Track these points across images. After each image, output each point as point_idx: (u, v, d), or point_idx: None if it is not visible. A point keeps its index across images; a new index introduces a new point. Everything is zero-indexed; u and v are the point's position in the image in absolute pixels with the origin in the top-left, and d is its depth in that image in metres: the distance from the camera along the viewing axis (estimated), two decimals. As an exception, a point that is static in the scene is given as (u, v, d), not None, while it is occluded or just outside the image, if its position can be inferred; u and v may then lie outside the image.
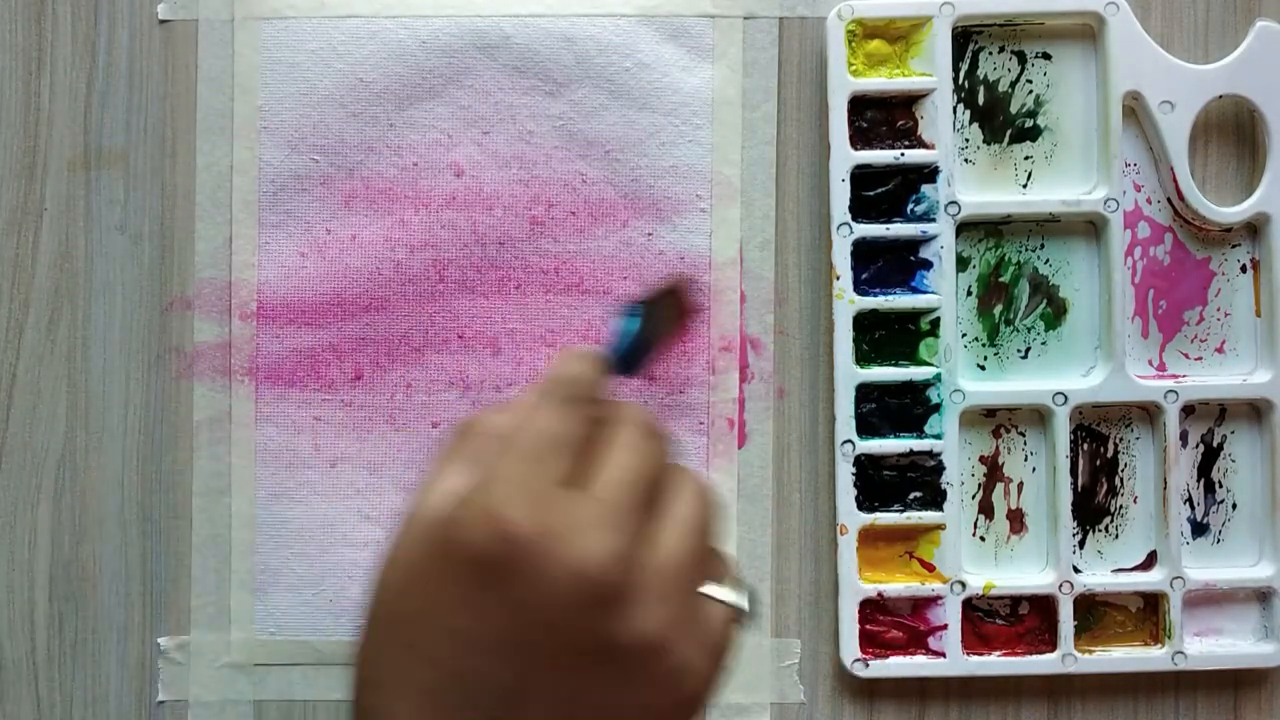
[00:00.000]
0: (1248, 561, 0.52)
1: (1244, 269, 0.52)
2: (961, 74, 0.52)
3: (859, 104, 0.52)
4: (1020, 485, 0.52)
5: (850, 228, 0.51)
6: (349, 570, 0.52)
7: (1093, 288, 0.52)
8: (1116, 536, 0.52)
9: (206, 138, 0.52)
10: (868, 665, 0.51)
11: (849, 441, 0.51)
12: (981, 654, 0.51)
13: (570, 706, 0.33)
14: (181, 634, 0.52)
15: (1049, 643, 0.51)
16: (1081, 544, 0.52)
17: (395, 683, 0.33)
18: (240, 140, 0.52)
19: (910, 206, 0.52)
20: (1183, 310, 0.52)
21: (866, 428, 0.52)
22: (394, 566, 0.34)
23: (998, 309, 0.52)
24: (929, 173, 0.51)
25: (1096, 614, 0.52)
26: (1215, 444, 0.52)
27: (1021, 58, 0.52)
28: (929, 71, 0.51)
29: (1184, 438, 0.52)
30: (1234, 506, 0.52)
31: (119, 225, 0.53)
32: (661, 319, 0.46)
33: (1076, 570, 0.51)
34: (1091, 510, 0.52)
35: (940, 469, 0.51)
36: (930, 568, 0.51)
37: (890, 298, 0.51)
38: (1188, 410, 0.52)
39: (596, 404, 0.36)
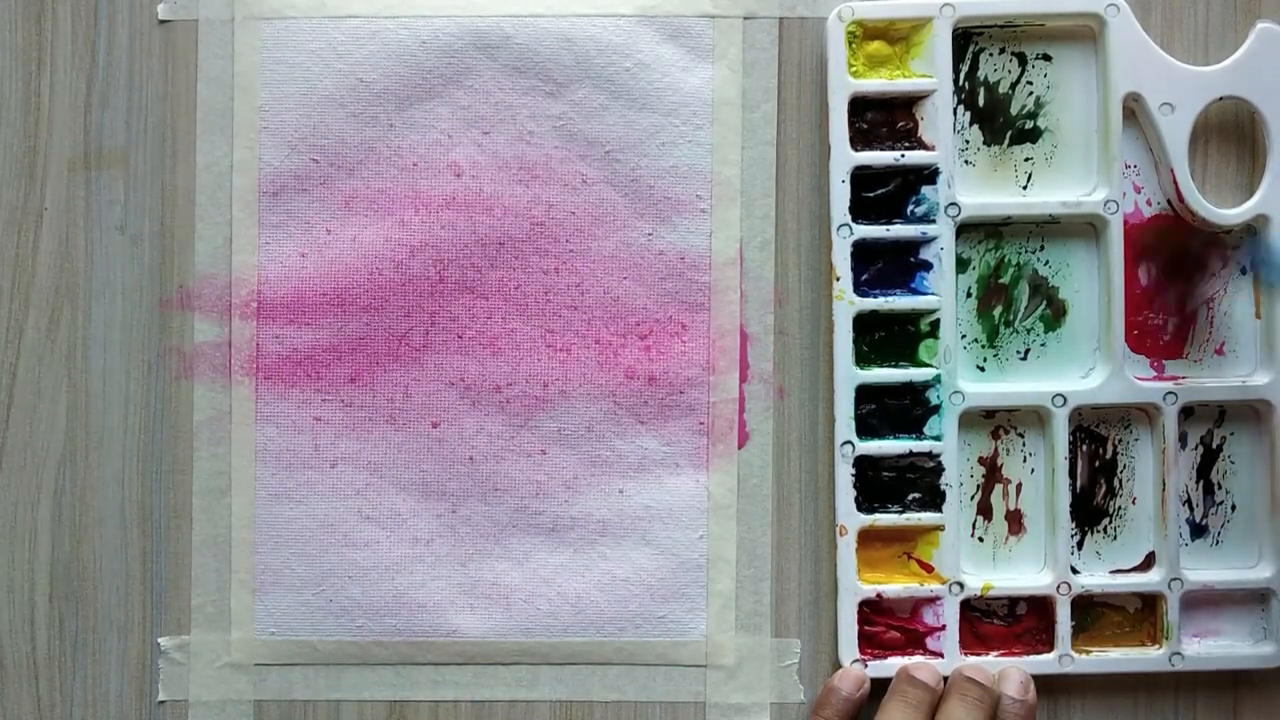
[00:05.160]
0: (1246, 563, 0.52)
1: (1244, 271, 0.52)
2: (962, 75, 0.52)
3: (859, 105, 0.52)
4: (1019, 486, 0.52)
5: (850, 229, 0.51)
6: (349, 570, 0.52)
7: (1092, 289, 0.52)
8: (1115, 537, 0.52)
9: (206, 138, 0.52)
10: (867, 665, 0.51)
11: (848, 442, 0.51)
12: (979, 654, 0.51)
13: None
14: (181, 634, 0.52)
15: (1046, 643, 0.51)
16: (1080, 545, 0.52)
17: None
18: (240, 140, 0.52)
19: (910, 208, 0.52)
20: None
21: (866, 429, 0.52)
22: None
23: (997, 310, 0.52)
24: (929, 174, 0.51)
25: (1094, 615, 0.52)
26: (1214, 445, 0.52)
27: (1022, 59, 0.52)
28: (929, 73, 0.51)
29: (1183, 439, 0.52)
30: (1233, 508, 0.52)
31: (119, 225, 0.53)
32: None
33: (1075, 571, 0.52)
34: (1090, 511, 0.52)
35: (939, 470, 0.51)
36: (929, 568, 0.52)
37: (890, 299, 0.51)
38: (1187, 412, 0.52)
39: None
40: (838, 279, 0.51)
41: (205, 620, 0.52)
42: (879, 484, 0.52)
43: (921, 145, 0.52)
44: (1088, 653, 0.51)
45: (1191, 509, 0.52)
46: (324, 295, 0.52)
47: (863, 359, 0.52)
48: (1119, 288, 0.51)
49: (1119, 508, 0.52)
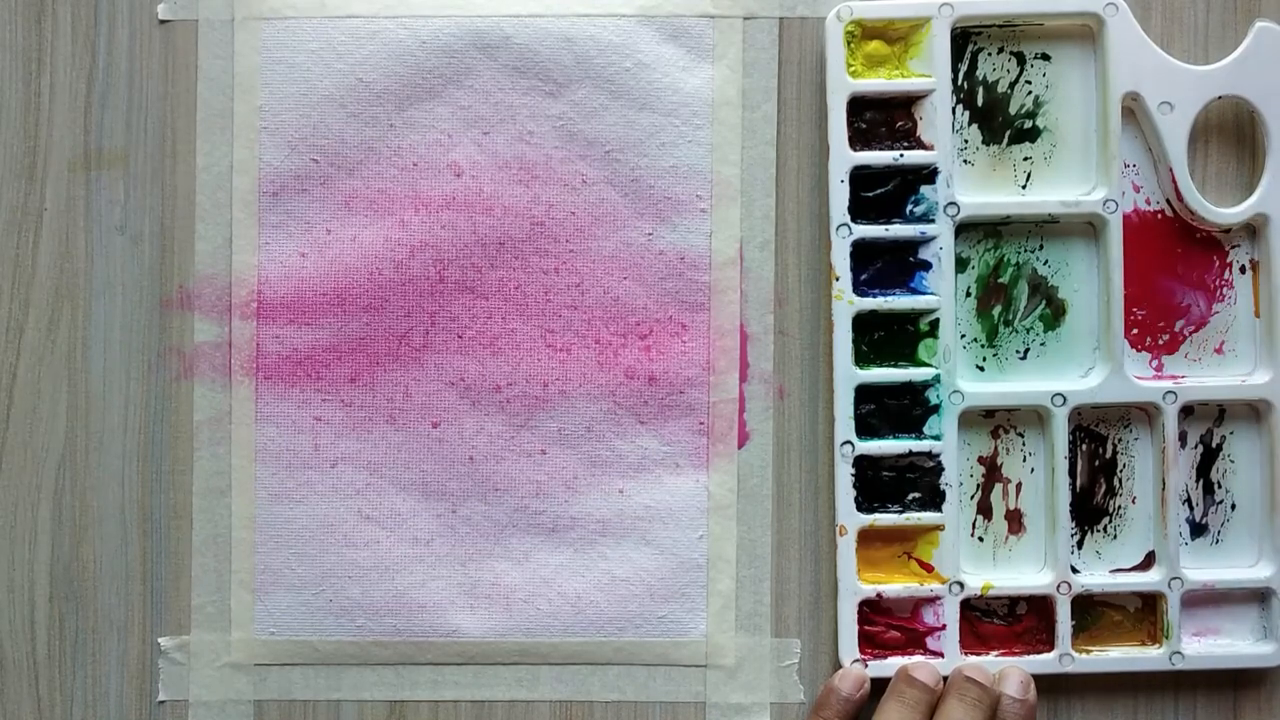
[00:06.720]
0: (1246, 562, 0.52)
1: (1243, 270, 0.52)
2: (960, 75, 0.52)
3: (858, 105, 0.52)
4: (1019, 486, 0.52)
5: (849, 229, 0.51)
6: (349, 570, 0.52)
7: (1091, 289, 0.52)
8: (1115, 537, 0.52)
9: (206, 138, 0.53)
10: (867, 665, 0.51)
11: (848, 442, 0.51)
12: (979, 654, 0.51)
13: None
14: (181, 634, 0.52)
15: (1047, 642, 0.51)
16: (1080, 544, 0.52)
17: None
18: (240, 140, 0.52)
19: (909, 207, 0.52)
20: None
21: (866, 428, 0.52)
22: None
23: (997, 310, 0.52)
24: (928, 174, 0.51)
25: (1094, 614, 0.52)
26: (1214, 445, 0.52)
27: (1020, 59, 0.52)
28: (928, 72, 0.51)
29: (1183, 438, 0.52)
30: (1233, 507, 0.52)
31: (119, 225, 0.53)
32: None
33: (1075, 570, 0.52)
34: (1090, 511, 0.52)
35: (939, 470, 0.51)
36: (929, 568, 0.52)
37: (889, 299, 0.51)
38: (1186, 411, 0.52)
39: None
40: (837, 279, 0.51)
41: (205, 620, 0.52)
42: (879, 484, 0.52)
43: (920, 145, 0.52)
44: (1088, 652, 0.51)
45: (1191, 508, 0.52)
46: (324, 295, 0.52)
47: (862, 359, 0.52)
48: (1118, 287, 0.51)
49: (1119, 507, 0.52)
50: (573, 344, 0.52)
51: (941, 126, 0.51)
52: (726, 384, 0.52)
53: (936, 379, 0.51)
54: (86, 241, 0.53)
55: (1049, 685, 0.51)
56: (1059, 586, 0.51)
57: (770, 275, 0.52)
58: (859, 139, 0.52)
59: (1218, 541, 0.52)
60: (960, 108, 0.52)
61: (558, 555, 0.52)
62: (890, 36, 0.52)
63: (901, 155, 0.51)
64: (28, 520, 0.53)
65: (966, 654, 0.51)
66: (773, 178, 0.52)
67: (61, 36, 0.53)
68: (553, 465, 0.52)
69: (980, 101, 0.52)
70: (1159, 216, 0.52)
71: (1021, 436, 0.52)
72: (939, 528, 0.51)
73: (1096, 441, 0.52)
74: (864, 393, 0.52)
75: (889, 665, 0.51)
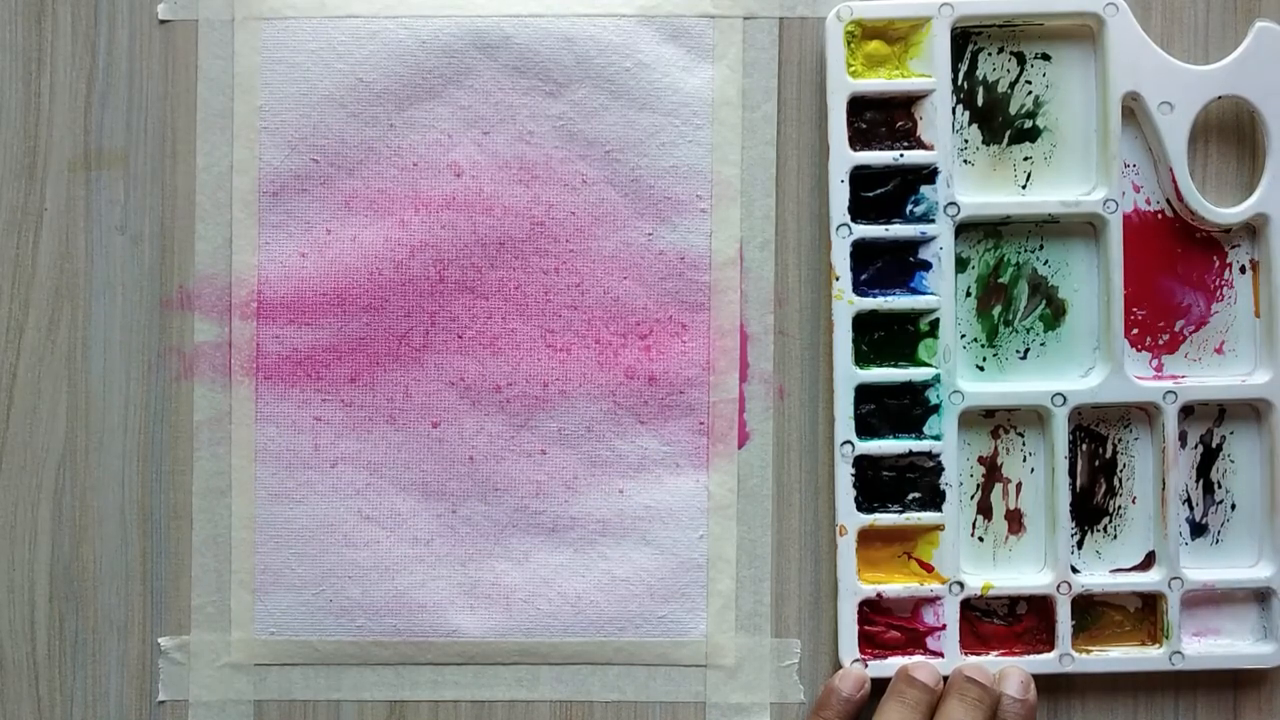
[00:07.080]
0: (1246, 562, 0.52)
1: (1243, 270, 0.52)
2: (960, 75, 0.52)
3: (858, 105, 0.52)
4: (1019, 486, 0.52)
5: (849, 229, 0.51)
6: (349, 570, 0.52)
7: (1092, 289, 0.52)
8: (1115, 537, 0.52)
9: (206, 138, 0.53)
10: (867, 665, 0.51)
11: (848, 442, 0.51)
12: (979, 654, 0.51)
13: None
14: (181, 634, 0.52)
15: (1047, 643, 0.51)
16: (1080, 544, 0.52)
17: None
18: (240, 140, 0.52)
19: (909, 207, 0.52)
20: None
21: (866, 428, 0.52)
22: None
23: (997, 310, 0.52)
24: (928, 174, 0.51)
25: (1094, 614, 0.52)
26: (1214, 445, 0.52)
27: (1021, 58, 0.52)
28: (928, 72, 0.51)
29: (1183, 438, 0.52)
30: (1233, 507, 0.52)
31: (119, 225, 0.53)
32: None
33: (1075, 570, 0.52)
34: (1090, 511, 0.52)
35: (939, 470, 0.51)
36: (929, 568, 0.52)
37: (889, 299, 0.51)
38: (1187, 411, 0.52)
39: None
40: (837, 279, 0.51)
41: (205, 620, 0.52)
42: (879, 484, 0.52)
43: (920, 145, 0.52)
44: (1088, 652, 0.51)
45: (1191, 508, 0.52)
46: (324, 295, 0.52)
47: (862, 359, 0.52)
48: (1118, 287, 0.51)
49: (1119, 507, 0.52)
50: (573, 344, 0.52)
51: (941, 126, 0.51)
52: (726, 384, 0.52)
53: (936, 379, 0.51)
54: (86, 241, 0.53)
55: (1049, 685, 0.51)
56: (1059, 586, 0.51)
57: (770, 275, 0.52)
58: (859, 139, 0.52)
59: (1218, 541, 0.52)
60: (960, 108, 0.52)
61: (558, 555, 0.52)
62: (890, 36, 0.52)
63: (901, 155, 0.51)
64: (28, 520, 0.53)
65: (966, 654, 0.51)
66: (773, 178, 0.52)
67: (61, 36, 0.53)
68: (553, 465, 0.52)
69: (980, 101, 0.52)
70: (1159, 216, 0.52)
71: (1021, 436, 0.52)
72: (939, 528, 0.51)
73: (1096, 441, 0.52)
74: (864, 393, 0.52)
75: (889, 665, 0.51)
